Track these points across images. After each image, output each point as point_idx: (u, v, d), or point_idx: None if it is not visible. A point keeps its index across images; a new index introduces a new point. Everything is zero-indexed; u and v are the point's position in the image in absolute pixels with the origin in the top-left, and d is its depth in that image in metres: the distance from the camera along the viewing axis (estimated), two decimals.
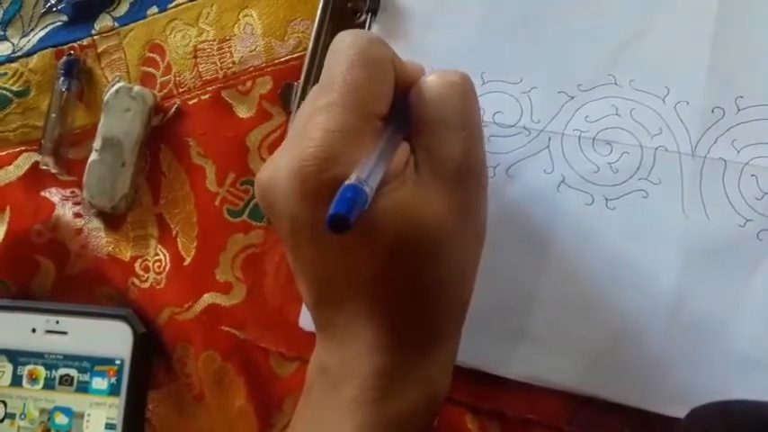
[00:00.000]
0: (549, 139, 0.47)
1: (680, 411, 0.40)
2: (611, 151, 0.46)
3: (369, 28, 0.51)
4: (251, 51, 0.54)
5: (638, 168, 0.46)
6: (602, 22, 0.47)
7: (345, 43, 0.39)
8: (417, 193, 0.37)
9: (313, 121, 0.37)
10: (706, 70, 0.45)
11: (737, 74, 0.45)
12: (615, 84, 0.47)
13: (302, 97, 0.51)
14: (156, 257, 0.54)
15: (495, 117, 0.48)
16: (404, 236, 0.36)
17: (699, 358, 0.44)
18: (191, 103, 0.55)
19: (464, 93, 0.40)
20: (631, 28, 0.47)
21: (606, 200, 0.46)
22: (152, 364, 0.53)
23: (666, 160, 0.45)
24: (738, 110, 0.44)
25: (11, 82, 0.58)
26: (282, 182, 0.37)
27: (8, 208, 0.57)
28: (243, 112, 0.54)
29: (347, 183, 0.33)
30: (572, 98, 0.47)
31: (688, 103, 0.45)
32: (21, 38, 0.59)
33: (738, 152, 0.44)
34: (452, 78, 0.40)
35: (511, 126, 0.48)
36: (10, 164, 0.58)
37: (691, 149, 0.45)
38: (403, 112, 0.40)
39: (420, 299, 0.38)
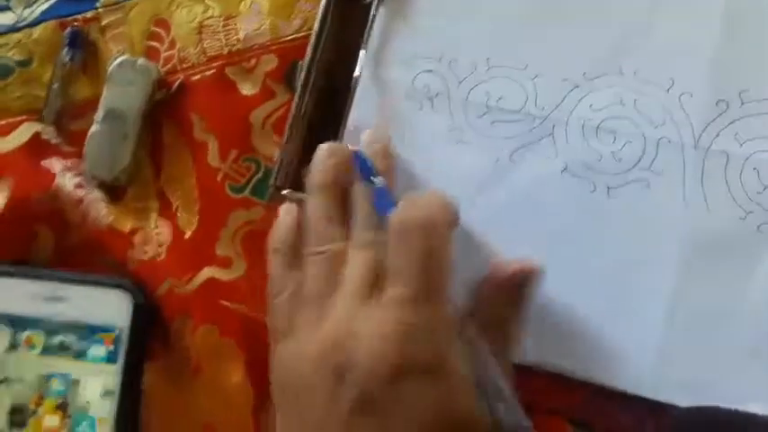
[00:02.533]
0: (553, 126, 0.47)
1: (679, 400, 0.40)
2: (615, 140, 0.46)
3: (375, 11, 0.50)
4: (256, 30, 0.54)
5: (640, 158, 0.45)
6: (610, 11, 0.47)
7: None
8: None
9: None
10: (711, 62, 0.45)
11: (743, 67, 0.45)
12: (620, 73, 0.46)
13: (306, 77, 0.50)
14: (157, 230, 0.53)
15: (500, 102, 0.48)
16: None
17: (699, 349, 0.43)
18: (194, 78, 0.54)
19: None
20: (638, 18, 0.47)
21: (608, 188, 0.46)
22: (150, 334, 0.52)
23: (669, 151, 0.45)
24: (743, 103, 0.44)
25: (13, 51, 0.57)
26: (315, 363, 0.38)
27: (9, 176, 0.55)
28: (247, 90, 0.53)
29: None
30: (577, 86, 0.47)
31: (692, 94, 0.45)
32: (24, 8, 0.57)
33: (741, 145, 0.44)
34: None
35: (515, 111, 0.47)
36: (10, 133, 0.56)
37: (694, 141, 0.45)
38: None
39: None
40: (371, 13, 0.51)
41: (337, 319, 0.38)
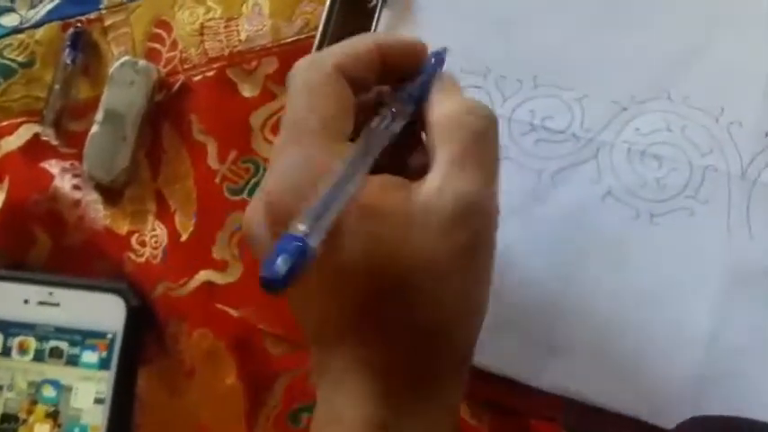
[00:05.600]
0: (598, 149, 0.43)
1: None
2: (660, 166, 0.42)
3: (379, 13, 0.47)
4: (257, 31, 0.50)
5: (685, 186, 0.42)
6: (662, 35, 0.44)
7: (290, 77, 0.35)
8: (402, 227, 0.31)
9: (273, 161, 0.34)
10: (763, 92, 0.42)
11: None
12: (669, 99, 0.43)
13: None
14: (153, 233, 0.50)
15: (545, 121, 0.44)
16: (382, 277, 0.31)
17: (737, 380, 0.40)
18: (195, 79, 0.51)
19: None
20: (690, 43, 0.43)
21: (651, 215, 0.42)
22: (144, 339, 0.48)
23: (715, 180, 0.42)
24: None
25: (16, 53, 0.54)
26: (258, 216, 0.32)
27: (7, 178, 0.52)
28: (247, 92, 0.50)
29: (285, 233, 0.27)
30: (625, 109, 0.43)
31: (741, 124, 0.42)
32: (28, 9, 0.54)
33: None
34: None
35: (560, 132, 0.44)
36: (11, 134, 0.52)
37: (741, 172, 0.41)
38: (401, 99, 0.35)
39: (411, 342, 0.32)
40: (376, 14, 0.48)
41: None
